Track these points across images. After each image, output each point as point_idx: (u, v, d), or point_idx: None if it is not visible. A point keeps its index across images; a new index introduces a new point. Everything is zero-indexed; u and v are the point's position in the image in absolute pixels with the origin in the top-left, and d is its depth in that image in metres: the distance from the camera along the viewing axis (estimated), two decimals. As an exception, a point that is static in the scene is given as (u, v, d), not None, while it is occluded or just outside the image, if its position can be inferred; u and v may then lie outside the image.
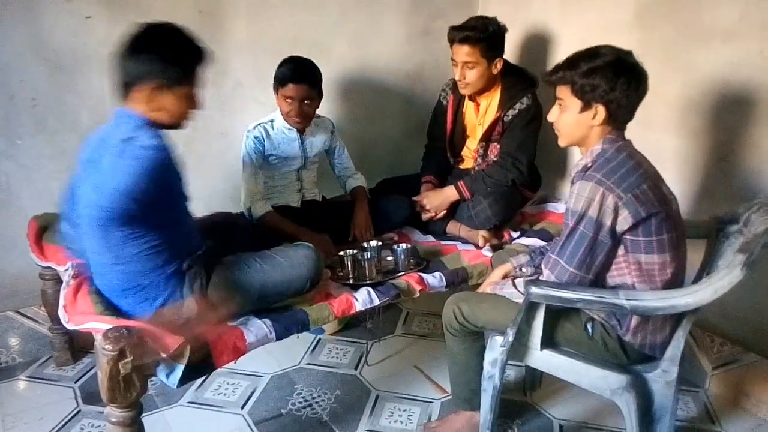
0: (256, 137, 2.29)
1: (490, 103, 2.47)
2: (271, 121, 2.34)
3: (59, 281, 1.86)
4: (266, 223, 2.23)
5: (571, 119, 1.58)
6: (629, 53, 1.54)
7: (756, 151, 2.05)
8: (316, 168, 2.51)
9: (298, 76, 2.21)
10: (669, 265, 1.52)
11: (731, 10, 2.06)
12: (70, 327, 1.61)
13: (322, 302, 1.83)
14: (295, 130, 2.34)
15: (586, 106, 1.54)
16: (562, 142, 1.65)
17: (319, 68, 2.29)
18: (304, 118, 2.29)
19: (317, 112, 2.37)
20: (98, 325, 1.48)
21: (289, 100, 2.23)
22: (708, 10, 2.13)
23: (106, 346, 1.36)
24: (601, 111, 1.52)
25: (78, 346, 2.28)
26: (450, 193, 2.46)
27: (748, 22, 2.02)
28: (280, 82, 2.23)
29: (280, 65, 2.26)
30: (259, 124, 2.32)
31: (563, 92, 1.57)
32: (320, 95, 2.31)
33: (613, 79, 1.48)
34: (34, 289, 2.17)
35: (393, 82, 2.96)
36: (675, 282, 1.54)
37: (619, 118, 1.55)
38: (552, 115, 1.64)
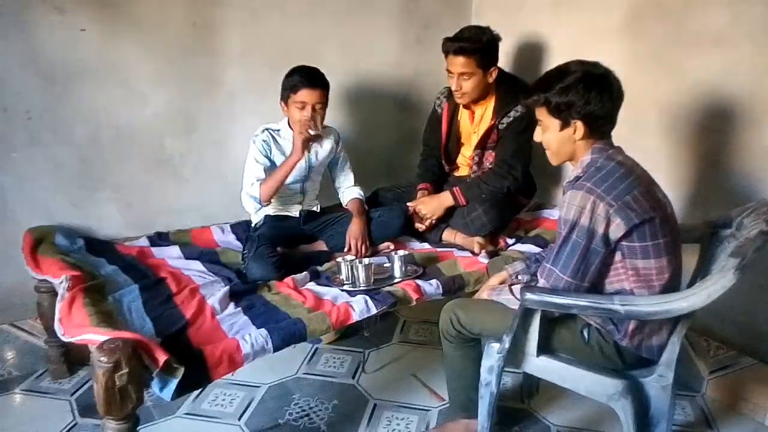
0: (264, 141, 2.31)
1: (485, 111, 2.48)
2: (278, 130, 2.36)
3: (55, 294, 1.85)
4: (265, 193, 2.25)
5: (554, 138, 1.61)
6: (596, 64, 1.56)
7: (747, 155, 2.06)
8: (319, 180, 2.52)
9: (312, 81, 2.25)
10: (666, 269, 1.52)
11: (720, 16, 2.07)
12: (66, 339, 1.60)
13: (320, 312, 1.82)
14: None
15: (565, 123, 1.57)
16: (553, 161, 1.68)
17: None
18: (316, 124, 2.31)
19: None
20: (94, 337, 1.48)
21: (301, 106, 2.24)
22: (697, 15, 2.15)
23: (102, 358, 1.36)
24: (580, 126, 1.55)
25: (74, 358, 2.27)
26: (445, 199, 2.47)
27: (737, 28, 2.03)
28: (291, 89, 2.24)
29: (290, 74, 2.27)
30: (267, 128, 2.34)
31: (541, 113, 1.61)
32: (327, 102, 2.33)
33: (585, 93, 1.51)
34: (30, 302, 2.16)
35: (387, 90, 2.97)
36: (672, 286, 1.55)
37: (599, 128, 1.57)
38: (537, 136, 1.67)
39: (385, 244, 2.42)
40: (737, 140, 2.09)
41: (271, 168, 2.32)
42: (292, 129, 2.33)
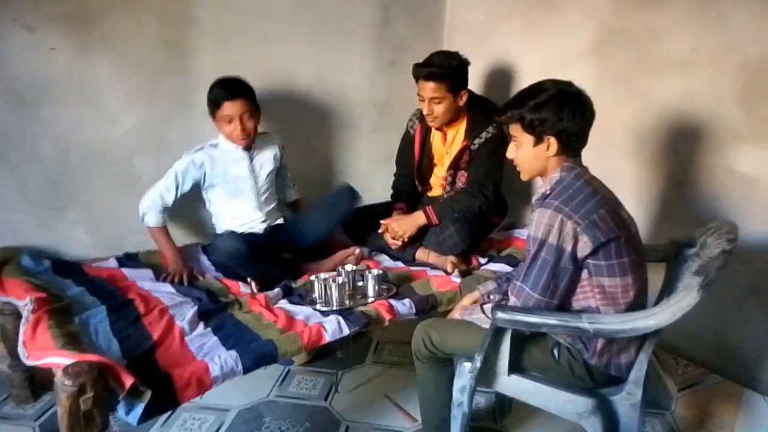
0: (195, 162, 2.27)
1: (457, 132, 2.52)
2: (214, 144, 2.33)
3: (19, 316, 1.80)
4: (150, 233, 2.27)
5: (527, 154, 1.63)
6: (569, 83, 1.60)
7: (710, 176, 2.12)
8: (274, 195, 2.50)
9: (233, 92, 2.22)
10: (631, 287, 1.55)
11: (684, 42, 2.14)
12: (30, 363, 1.56)
13: (292, 332, 1.81)
14: (241, 148, 2.33)
15: (539, 139, 1.59)
16: (523, 177, 1.70)
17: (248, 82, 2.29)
18: (248, 134, 2.29)
19: (262, 129, 2.38)
20: (58, 360, 1.44)
21: (229, 119, 2.23)
22: (662, 41, 2.21)
23: (66, 382, 1.33)
24: (553, 142, 1.57)
25: (38, 383, 2.20)
26: (418, 218, 2.48)
27: (700, 53, 2.10)
28: (215, 104, 2.23)
29: (210, 89, 2.25)
30: (202, 148, 2.31)
31: (515, 130, 1.63)
32: (258, 108, 2.31)
33: (559, 110, 1.54)
34: (-7, 324, 2.10)
35: (360, 111, 3.00)
36: (638, 304, 1.57)
37: (571, 146, 1.60)
38: (510, 153, 1.70)
39: (350, 250, 2.42)
40: (701, 162, 2.15)
41: (217, 192, 2.32)
42: (229, 140, 2.32)
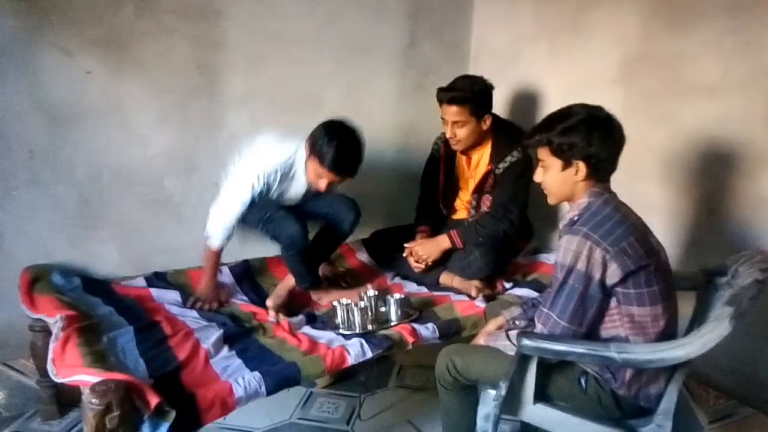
0: (268, 182, 2.23)
1: (482, 156, 2.52)
2: (289, 165, 2.27)
3: (49, 333, 1.84)
4: (207, 252, 2.25)
5: (555, 178, 1.62)
6: (599, 108, 1.58)
7: (741, 203, 2.08)
8: None
9: (343, 170, 2.19)
10: (661, 316, 1.52)
11: (714, 67, 2.13)
12: (58, 380, 1.59)
13: (315, 355, 1.81)
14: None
15: (567, 163, 1.58)
16: (551, 201, 1.69)
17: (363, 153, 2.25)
18: (326, 191, 2.30)
19: None
20: (86, 378, 1.46)
21: (320, 177, 2.20)
22: (691, 66, 2.20)
23: (93, 400, 1.34)
24: (582, 167, 1.56)
25: (65, 399, 2.23)
26: (442, 242, 2.47)
27: (731, 79, 2.08)
28: (321, 160, 2.14)
29: (330, 141, 2.13)
30: (277, 169, 2.25)
31: (543, 154, 1.62)
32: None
33: (588, 134, 1.52)
34: (23, 341, 2.14)
35: (386, 134, 3.02)
36: (668, 333, 1.54)
37: (601, 171, 1.58)
38: (537, 177, 1.68)
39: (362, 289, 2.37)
40: (732, 188, 2.11)
41: (264, 195, 2.27)
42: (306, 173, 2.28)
